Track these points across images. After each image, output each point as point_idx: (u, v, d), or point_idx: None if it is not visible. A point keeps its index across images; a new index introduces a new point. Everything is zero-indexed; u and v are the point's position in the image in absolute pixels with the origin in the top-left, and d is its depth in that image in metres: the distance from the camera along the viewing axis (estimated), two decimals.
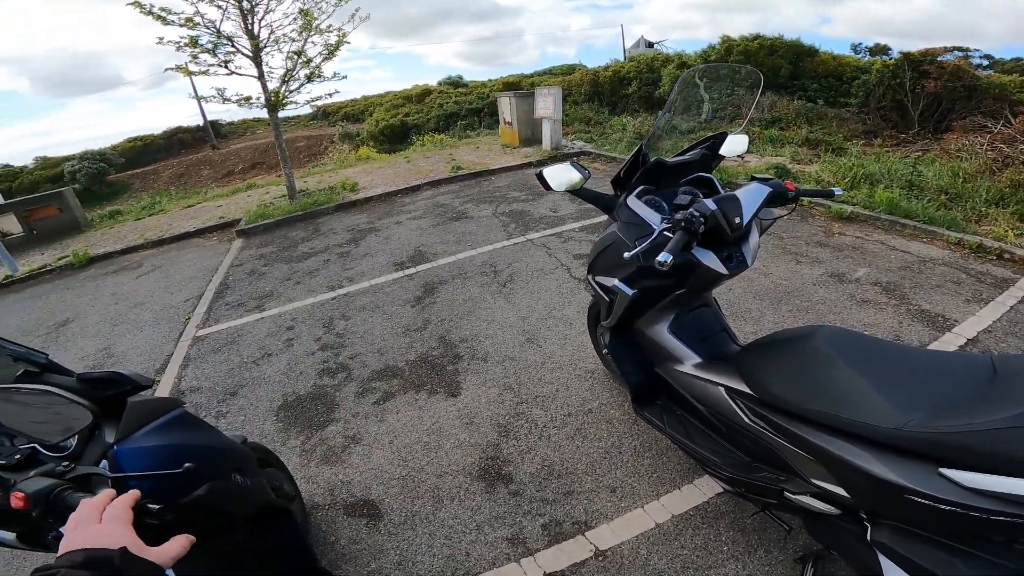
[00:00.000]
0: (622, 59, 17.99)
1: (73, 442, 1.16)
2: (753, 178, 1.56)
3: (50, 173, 23.06)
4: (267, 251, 5.82)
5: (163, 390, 3.49)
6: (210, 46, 6.78)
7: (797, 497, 1.35)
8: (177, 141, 27.27)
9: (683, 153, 1.87)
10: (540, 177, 1.82)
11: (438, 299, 4.00)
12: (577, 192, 1.85)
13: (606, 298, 1.87)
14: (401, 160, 9.99)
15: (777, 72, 11.91)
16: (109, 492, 0.71)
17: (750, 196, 1.47)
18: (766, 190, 1.49)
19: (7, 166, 26.38)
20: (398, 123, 19.19)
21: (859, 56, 16.14)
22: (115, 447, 1.11)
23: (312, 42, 7.19)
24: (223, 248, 6.29)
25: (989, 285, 3.33)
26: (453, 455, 2.41)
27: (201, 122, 27.38)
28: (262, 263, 5.48)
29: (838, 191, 1.74)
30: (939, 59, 10.49)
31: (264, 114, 7.63)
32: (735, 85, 2.76)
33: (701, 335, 1.71)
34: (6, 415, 1.01)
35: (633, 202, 1.70)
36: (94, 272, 6.58)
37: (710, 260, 1.45)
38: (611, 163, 7.70)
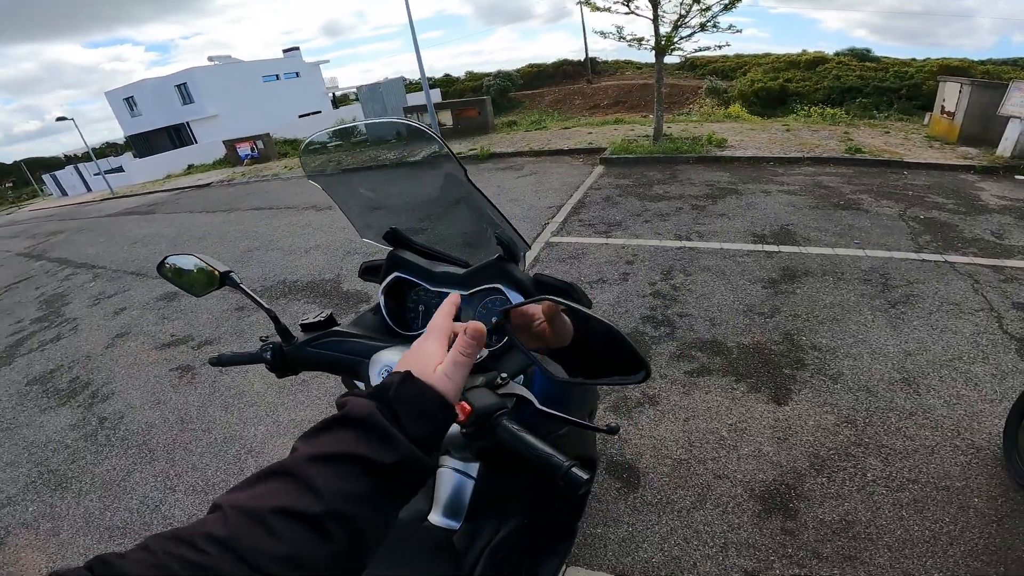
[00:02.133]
0: None
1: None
2: None
3: (473, 84, 29.94)
4: (624, 183, 6.08)
5: None
6: None
7: None
8: (561, 71, 31.00)
9: None
10: None
11: (797, 290, 3.40)
12: None
13: None
14: (778, 126, 8.79)
15: None
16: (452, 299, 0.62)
17: None
18: None
19: (447, 75, 35.41)
20: (777, 87, 17.05)
21: None
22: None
23: None
24: (586, 170, 6.89)
25: None
26: (745, 464, 2.10)
27: (583, 57, 30.33)
28: (617, 193, 5.76)
29: None
30: None
31: (635, 57, 7.87)
32: None
33: None
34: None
35: None
36: (490, 165, 8.25)
37: None
38: None
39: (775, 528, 1.83)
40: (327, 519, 0.40)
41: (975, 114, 6.98)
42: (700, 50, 7.54)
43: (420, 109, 11.74)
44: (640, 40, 7.45)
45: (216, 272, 1.04)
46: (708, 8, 6.85)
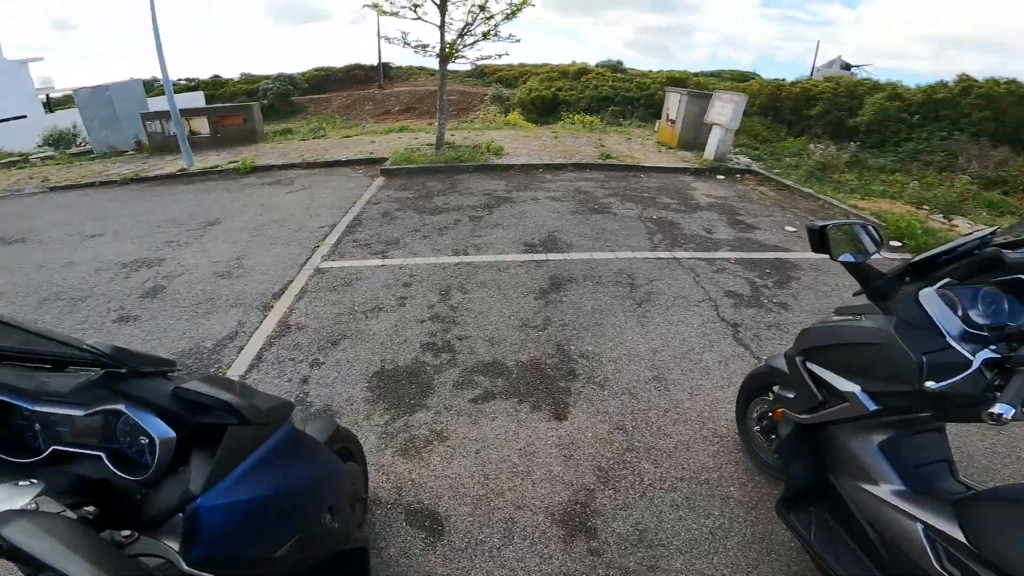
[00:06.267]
0: (808, 76, 15.77)
1: (152, 461, 0.96)
2: None
3: (249, 88, 26.39)
4: (404, 195, 5.83)
5: (273, 319, 3.47)
6: None
7: None
8: (353, 76, 29.53)
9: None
10: (817, 233, 1.44)
11: (564, 298, 3.58)
12: (850, 266, 1.42)
13: (818, 396, 1.51)
14: (548, 134, 9.62)
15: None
16: None
17: None
18: None
19: (216, 76, 30.72)
20: (550, 96, 18.83)
21: None
22: (198, 502, 0.89)
23: None
24: (365, 182, 6.45)
25: None
26: (540, 488, 2.11)
27: (376, 62, 29.39)
28: (396, 207, 5.48)
29: None
30: None
31: (428, 63, 7.83)
32: None
33: (916, 462, 1.39)
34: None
35: (930, 299, 1.24)
36: (253, 180, 7.16)
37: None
38: (782, 191, 6.61)
39: (581, 550, 1.84)
40: None
41: (690, 122, 8.46)
42: (483, 58, 7.80)
43: (165, 115, 9.70)
44: (425, 47, 7.38)
45: None
46: (491, 17, 7.08)
